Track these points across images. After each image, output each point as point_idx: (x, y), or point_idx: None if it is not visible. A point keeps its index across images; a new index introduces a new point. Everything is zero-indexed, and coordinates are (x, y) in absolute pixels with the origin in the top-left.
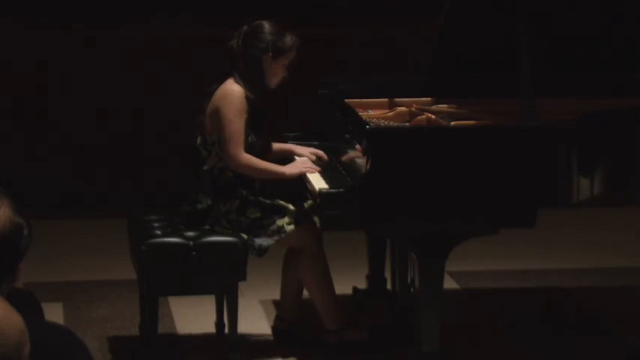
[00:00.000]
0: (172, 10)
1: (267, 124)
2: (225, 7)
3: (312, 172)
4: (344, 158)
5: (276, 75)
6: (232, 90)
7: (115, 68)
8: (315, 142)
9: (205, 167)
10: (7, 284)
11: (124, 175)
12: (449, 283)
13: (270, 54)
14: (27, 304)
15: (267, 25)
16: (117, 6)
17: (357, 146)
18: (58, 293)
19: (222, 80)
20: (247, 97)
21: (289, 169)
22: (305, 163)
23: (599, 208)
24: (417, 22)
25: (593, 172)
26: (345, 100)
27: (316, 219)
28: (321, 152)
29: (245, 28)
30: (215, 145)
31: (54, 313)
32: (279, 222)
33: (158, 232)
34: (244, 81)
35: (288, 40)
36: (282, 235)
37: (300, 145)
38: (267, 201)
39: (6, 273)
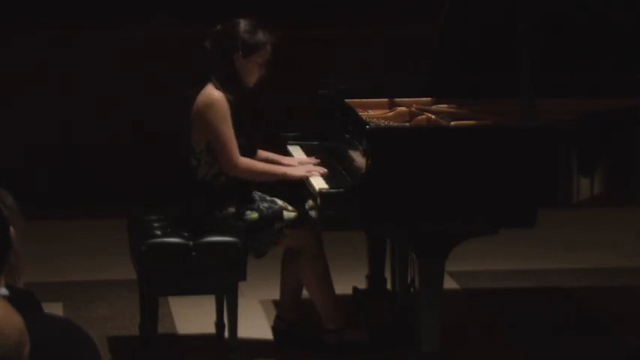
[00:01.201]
0: (172, 10)
1: (248, 123)
2: (225, 7)
3: (316, 176)
4: (345, 159)
5: (251, 74)
6: (214, 96)
7: (115, 68)
8: (315, 142)
9: (197, 177)
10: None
11: (124, 175)
12: (449, 283)
13: (240, 52)
14: (27, 304)
15: (241, 23)
16: (117, 6)
17: (360, 148)
18: (58, 293)
19: (201, 84)
20: (229, 100)
21: (291, 171)
22: (308, 167)
23: (599, 208)
24: (417, 22)
25: (593, 172)
26: (345, 100)
27: (316, 218)
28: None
29: (218, 27)
30: (203, 153)
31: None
32: (278, 225)
33: (158, 232)
34: (221, 83)
35: (260, 37)
36: (281, 237)
37: (299, 145)
38: (265, 204)
39: (4, 246)
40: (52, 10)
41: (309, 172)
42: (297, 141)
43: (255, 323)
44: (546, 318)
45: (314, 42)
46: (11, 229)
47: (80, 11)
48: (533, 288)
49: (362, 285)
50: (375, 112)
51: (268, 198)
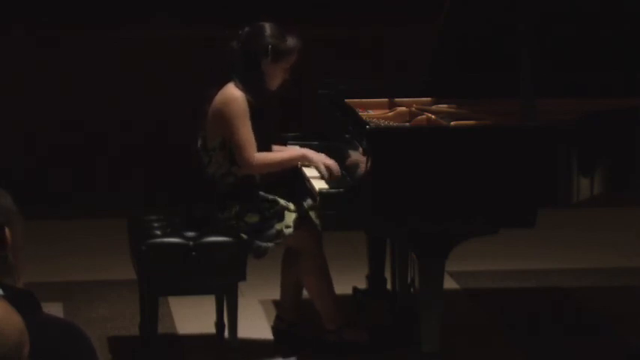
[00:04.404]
0: (172, 10)
1: (266, 124)
2: (225, 7)
3: (334, 172)
4: (345, 159)
5: (276, 78)
6: (234, 96)
7: (115, 68)
8: (315, 142)
9: (207, 173)
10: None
11: (124, 175)
12: (449, 283)
13: (269, 57)
14: (27, 304)
15: (267, 28)
16: (117, 6)
17: (360, 148)
18: (58, 293)
19: (221, 83)
20: (248, 101)
21: (311, 153)
22: (327, 160)
23: (599, 208)
24: (417, 22)
25: (593, 172)
26: (345, 100)
27: (315, 218)
28: (333, 164)
29: (246, 29)
30: (216, 150)
31: (54, 313)
32: (278, 226)
33: (158, 232)
34: (244, 84)
35: (289, 43)
36: (281, 238)
37: (299, 145)
38: (267, 205)
39: None
40: (52, 10)
41: (327, 164)
42: (297, 141)
43: (255, 323)
44: (546, 318)
45: (314, 42)
46: (6, 229)
47: (80, 11)
48: (533, 288)
49: (362, 285)
50: (375, 112)
51: (270, 197)
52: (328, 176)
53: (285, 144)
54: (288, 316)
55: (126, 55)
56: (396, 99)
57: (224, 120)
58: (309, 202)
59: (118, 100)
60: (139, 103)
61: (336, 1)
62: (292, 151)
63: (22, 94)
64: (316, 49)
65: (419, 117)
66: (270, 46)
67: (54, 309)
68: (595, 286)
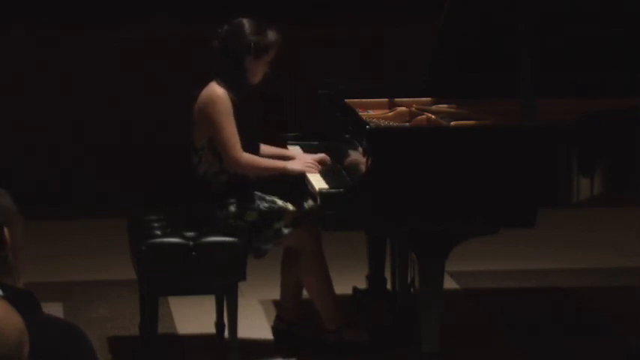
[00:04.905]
0: (172, 10)
1: (250, 121)
2: (225, 7)
3: (314, 172)
4: (345, 159)
5: (258, 73)
6: (217, 94)
7: (115, 68)
8: (315, 142)
9: (199, 173)
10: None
11: (124, 175)
12: (449, 283)
13: (252, 55)
14: (27, 304)
15: (247, 24)
16: (117, 6)
17: (360, 149)
18: (58, 293)
19: (204, 83)
20: (232, 98)
21: (291, 165)
22: (308, 161)
23: (599, 208)
24: (417, 22)
25: (593, 172)
26: (345, 100)
27: (315, 219)
28: (323, 156)
29: (225, 27)
30: (204, 150)
31: (54, 313)
32: (277, 225)
33: (158, 232)
34: (226, 82)
35: (270, 37)
36: (281, 237)
37: (299, 145)
38: (265, 204)
39: None
40: (52, 10)
41: (308, 165)
42: (297, 141)
43: (255, 323)
44: (546, 318)
45: (314, 42)
46: (5, 230)
47: (80, 11)
48: (533, 288)
49: (362, 285)
50: (375, 112)
51: (268, 198)
52: (320, 169)
53: (285, 144)
54: (288, 316)
55: (126, 55)
56: (396, 99)
57: (209, 119)
58: (309, 202)
59: (118, 100)
60: (139, 103)
61: (336, 1)
62: (277, 162)
63: (22, 94)
64: (316, 49)
65: (419, 117)
66: (252, 44)
67: (54, 309)
68: (595, 286)
